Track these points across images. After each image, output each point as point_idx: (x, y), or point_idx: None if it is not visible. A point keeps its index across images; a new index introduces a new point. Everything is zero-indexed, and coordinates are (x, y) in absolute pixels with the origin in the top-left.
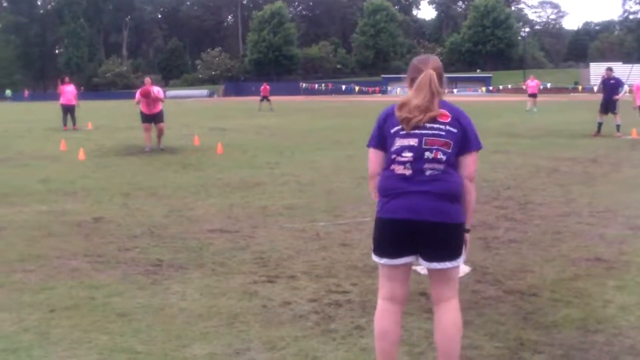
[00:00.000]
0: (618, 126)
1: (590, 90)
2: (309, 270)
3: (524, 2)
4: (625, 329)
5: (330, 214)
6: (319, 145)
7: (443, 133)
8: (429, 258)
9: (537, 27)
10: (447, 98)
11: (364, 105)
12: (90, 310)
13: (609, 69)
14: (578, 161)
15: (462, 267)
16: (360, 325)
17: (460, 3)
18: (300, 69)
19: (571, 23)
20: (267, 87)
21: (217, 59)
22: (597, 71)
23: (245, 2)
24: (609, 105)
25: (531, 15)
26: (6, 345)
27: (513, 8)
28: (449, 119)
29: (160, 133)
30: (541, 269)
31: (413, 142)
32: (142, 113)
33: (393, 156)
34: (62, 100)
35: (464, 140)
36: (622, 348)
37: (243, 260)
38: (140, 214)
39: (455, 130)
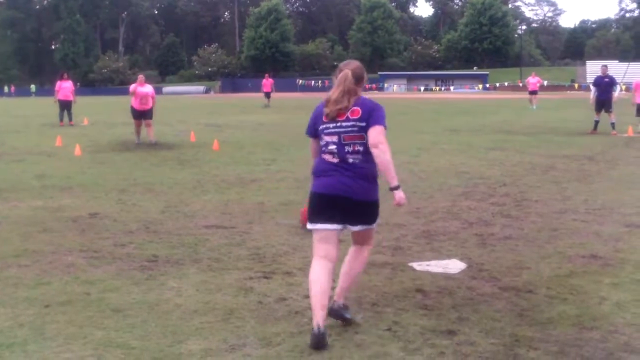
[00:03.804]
0: (613, 124)
1: (587, 88)
2: (304, 267)
3: (520, 0)
4: (621, 326)
5: None
6: None
7: (356, 128)
8: (351, 223)
9: (534, 24)
10: (444, 95)
11: None
12: (85, 306)
13: (604, 67)
14: (574, 158)
15: (457, 263)
16: (355, 321)
17: (457, 0)
18: (296, 66)
19: (568, 21)
20: (270, 80)
21: (213, 55)
22: (593, 69)
23: None
24: (604, 104)
25: (528, 12)
26: (1, 340)
27: (510, 5)
28: (359, 115)
29: (149, 129)
30: (537, 266)
31: (335, 138)
32: (132, 109)
33: (323, 148)
34: (59, 96)
35: (369, 121)
36: (617, 345)
37: (239, 256)
38: (136, 210)
39: (364, 124)
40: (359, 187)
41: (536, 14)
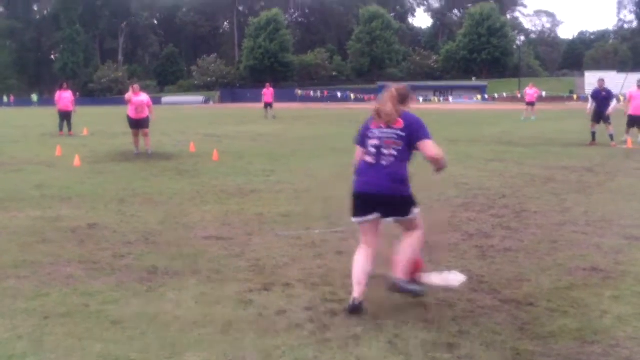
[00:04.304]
0: (611, 136)
1: (585, 99)
2: (304, 279)
3: (519, 11)
4: (622, 339)
5: (326, 222)
6: (315, 153)
7: (395, 136)
8: (384, 215)
9: (533, 35)
10: (443, 106)
11: (360, 113)
12: (84, 318)
13: (601, 80)
14: (573, 170)
15: (458, 275)
16: (356, 334)
17: (455, 11)
18: (295, 76)
19: (566, 32)
20: (271, 89)
21: (212, 65)
22: (592, 80)
23: (241, 8)
24: (602, 115)
25: (527, 24)
26: (0, 352)
27: (508, 16)
28: (402, 126)
29: (146, 138)
30: (537, 278)
31: (376, 142)
32: (129, 118)
33: (366, 147)
34: (59, 106)
35: (413, 136)
36: (618, 359)
37: (238, 267)
38: (135, 221)
39: (404, 134)
40: (389, 185)
41: (535, 25)
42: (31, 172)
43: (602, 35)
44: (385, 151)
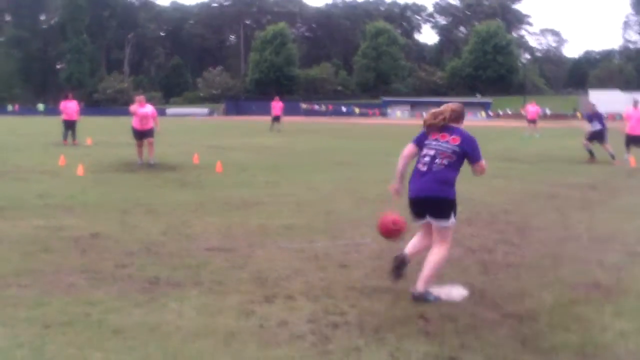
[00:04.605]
0: (612, 155)
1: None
2: (306, 291)
3: (525, 29)
4: (624, 355)
5: (329, 235)
6: (319, 166)
7: (450, 150)
8: (430, 215)
9: (538, 53)
10: None
11: (363, 128)
12: (85, 327)
13: (591, 104)
14: (576, 187)
15: (460, 290)
16: (358, 346)
17: (462, 28)
18: (301, 90)
19: (572, 51)
20: (280, 103)
21: (218, 77)
22: (596, 98)
23: (248, 22)
24: (595, 136)
25: (532, 42)
26: None
27: (514, 34)
28: (458, 142)
29: (150, 147)
30: (539, 294)
31: (432, 152)
32: (133, 129)
33: (420, 159)
34: (64, 116)
35: (468, 156)
36: None
37: (240, 279)
38: (137, 231)
39: (458, 150)
40: (437, 187)
41: (540, 44)
42: (34, 181)
43: (608, 55)
44: (438, 161)
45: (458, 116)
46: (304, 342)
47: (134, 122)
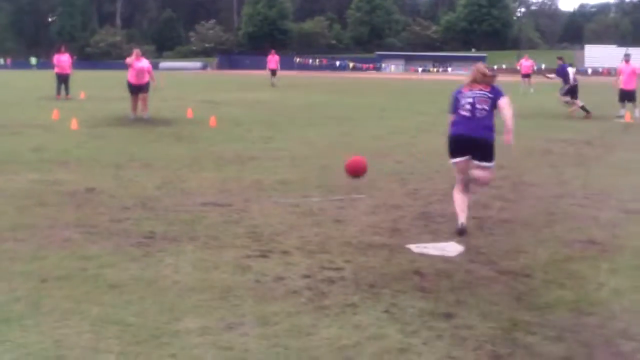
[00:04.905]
0: (582, 107)
1: (585, 72)
2: (302, 246)
3: None
4: (619, 312)
5: (324, 190)
6: (313, 121)
7: (485, 96)
8: (474, 157)
9: (533, 7)
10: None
11: (357, 82)
12: (82, 281)
13: (559, 58)
14: (571, 143)
15: (455, 246)
16: (353, 302)
17: None
18: (294, 44)
19: (567, 4)
20: (276, 56)
21: (211, 31)
22: (592, 53)
23: None
24: (570, 91)
25: None
26: None
27: None
28: (489, 90)
29: (143, 103)
30: (535, 250)
31: (470, 100)
32: (129, 83)
33: (460, 107)
34: (57, 70)
35: (496, 97)
36: (615, 331)
37: (236, 234)
38: (132, 186)
39: (491, 96)
40: (481, 131)
41: None
42: (28, 135)
43: (603, 8)
44: (478, 106)
45: (493, 76)
46: (300, 297)
47: (130, 76)
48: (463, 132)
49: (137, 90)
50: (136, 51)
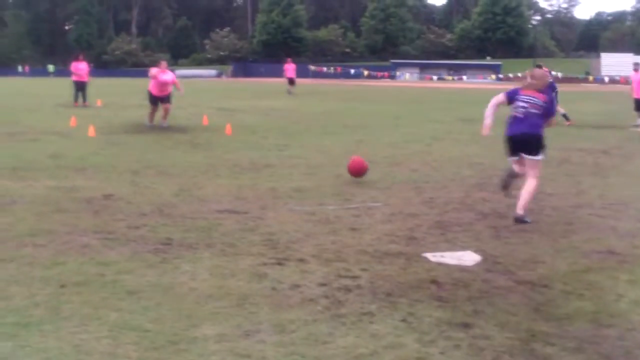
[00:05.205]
0: (564, 115)
1: (601, 81)
2: (318, 254)
3: None
4: (638, 323)
5: (339, 198)
6: (328, 129)
7: (538, 104)
8: (524, 152)
9: (549, 15)
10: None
11: (372, 90)
12: (100, 287)
13: (538, 65)
14: (589, 152)
15: (472, 255)
16: (370, 311)
17: None
18: (309, 52)
19: (583, 12)
20: (292, 64)
21: (225, 39)
22: (608, 62)
23: None
24: None
25: (542, 3)
26: (17, 319)
27: None
28: (542, 98)
29: (165, 113)
30: (552, 260)
31: (524, 104)
32: (150, 94)
33: (516, 109)
34: (74, 77)
35: (549, 110)
36: (635, 343)
37: (252, 241)
38: (149, 192)
39: (544, 105)
40: (530, 128)
41: (551, 5)
42: (46, 142)
43: (620, 16)
44: (531, 111)
45: (541, 77)
46: (316, 305)
47: (152, 87)
48: (516, 132)
49: (158, 100)
50: (163, 62)
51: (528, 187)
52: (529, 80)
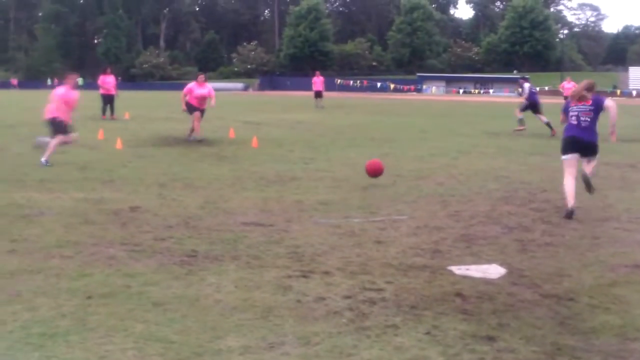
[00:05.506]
0: (547, 123)
1: (629, 95)
2: (343, 267)
3: (563, 4)
4: None
5: (365, 211)
6: (354, 142)
7: (587, 109)
8: (582, 155)
9: (576, 29)
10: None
11: (398, 104)
12: (126, 299)
13: (522, 78)
14: (616, 166)
15: (497, 268)
16: (395, 323)
17: (498, 3)
18: (335, 65)
19: (611, 26)
20: (321, 77)
21: (252, 53)
22: (636, 75)
23: None
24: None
25: (570, 17)
26: (44, 330)
27: (552, 9)
28: (591, 103)
29: (197, 123)
30: (579, 274)
31: (577, 112)
32: (190, 105)
33: (571, 116)
34: (102, 91)
35: (599, 106)
36: None
37: (277, 254)
38: (176, 205)
39: (593, 107)
40: (587, 135)
41: (578, 19)
42: (74, 154)
43: None
44: (582, 118)
45: (590, 88)
46: (341, 317)
47: (190, 99)
48: (574, 134)
49: (198, 110)
50: (201, 76)
51: (590, 168)
52: (574, 94)
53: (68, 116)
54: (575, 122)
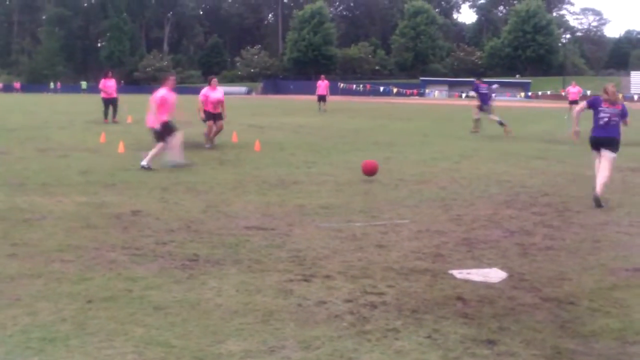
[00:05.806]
0: (499, 122)
1: (631, 99)
2: (344, 271)
3: (565, 9)
4: None
5: (367, 215)
6: (357, 146)
7: (616, 114)
8: (605, 148)
9: (579, 33)
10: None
11: (401, 108)
12: (127, 303)
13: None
14: (617, 170)
15: (498, 272)
16: (395, 327)
17: (501, 7)
18: (338, 69)
19: (613, 31)
20: (326, 81)
21: (256, 56)
22: (638, 79)
23: (286, 0)
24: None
25: (572, 21)
26: (44, 335)
27: (554, 14)
28: (620, 109)
29: (218, 130)
30: (579, 277)
31: (607, 113)
32: (206, 112)
33: (599, 117)
34: (103, 94)
35: (624, 115)
36: None
37: (279, 258)
38: (177, 209)
39: (620, 111)
40: (611, 133)
41: (581, 23)
42: (76, 158)
43: None
44: (613, 120)
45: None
46: (342, 321)
47: (206, 105)
48: (600, 135)
49: (214, 116)
50: (214, 80)
51: (603, 173)
52: (604, 97)
53: (169, 117)
54: (604, 122)
